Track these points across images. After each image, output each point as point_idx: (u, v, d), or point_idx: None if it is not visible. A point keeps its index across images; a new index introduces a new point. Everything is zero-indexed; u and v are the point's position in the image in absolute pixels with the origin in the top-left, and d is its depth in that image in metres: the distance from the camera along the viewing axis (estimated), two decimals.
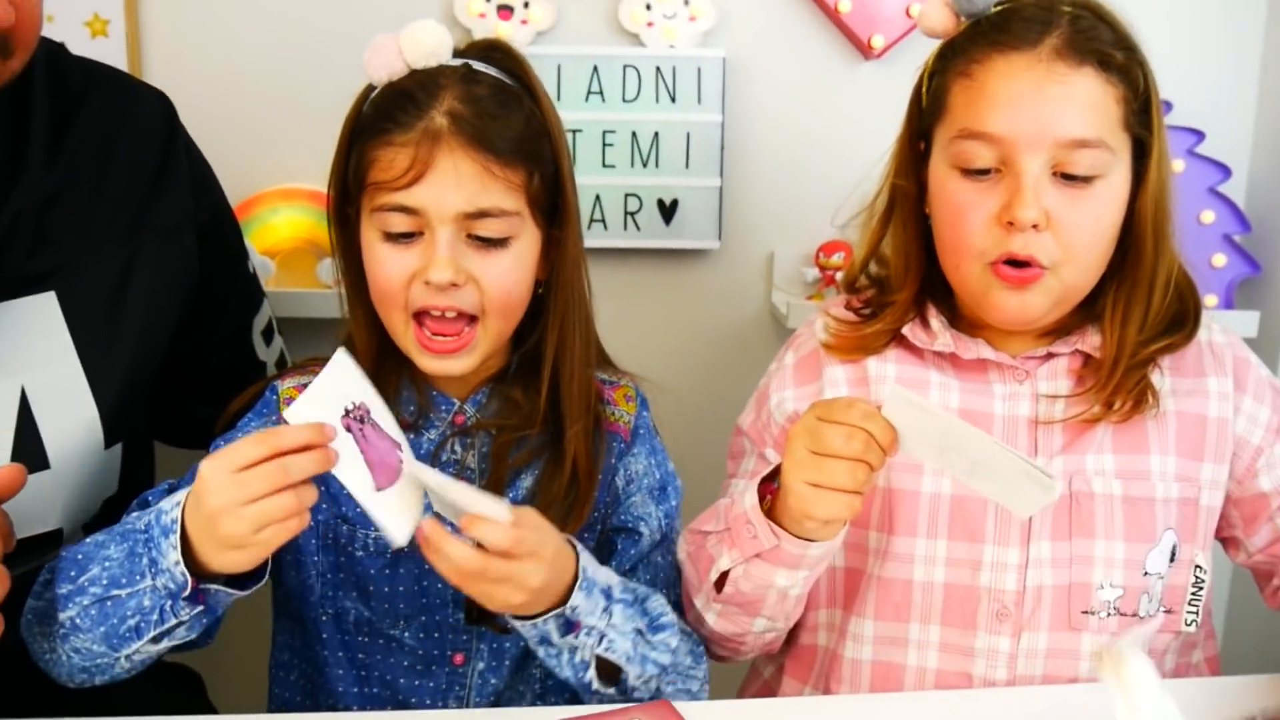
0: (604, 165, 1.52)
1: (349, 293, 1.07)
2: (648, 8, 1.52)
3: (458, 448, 1.05)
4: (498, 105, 0.99)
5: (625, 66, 1.51)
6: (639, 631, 0.98)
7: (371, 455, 0.89)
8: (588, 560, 0.96)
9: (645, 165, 1.53)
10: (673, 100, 1.52)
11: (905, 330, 1.09)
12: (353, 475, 0.88)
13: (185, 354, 1.15)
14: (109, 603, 0.89)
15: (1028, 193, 0.98)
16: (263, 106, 1.53)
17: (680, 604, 1.11)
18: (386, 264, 0.99)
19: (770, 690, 1.19)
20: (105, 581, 0.90)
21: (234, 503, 0.83)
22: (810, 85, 1.58)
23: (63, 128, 1.03)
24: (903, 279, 1.10)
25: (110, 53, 1.49)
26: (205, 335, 1.16)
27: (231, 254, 1.20)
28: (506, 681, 1.07)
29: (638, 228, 1.55)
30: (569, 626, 0.94)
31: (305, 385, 1.02)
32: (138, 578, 0.88)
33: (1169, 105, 1.44)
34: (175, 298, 1.09)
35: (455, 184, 0.96)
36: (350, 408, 0.89)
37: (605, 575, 0.98)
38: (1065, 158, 0.98)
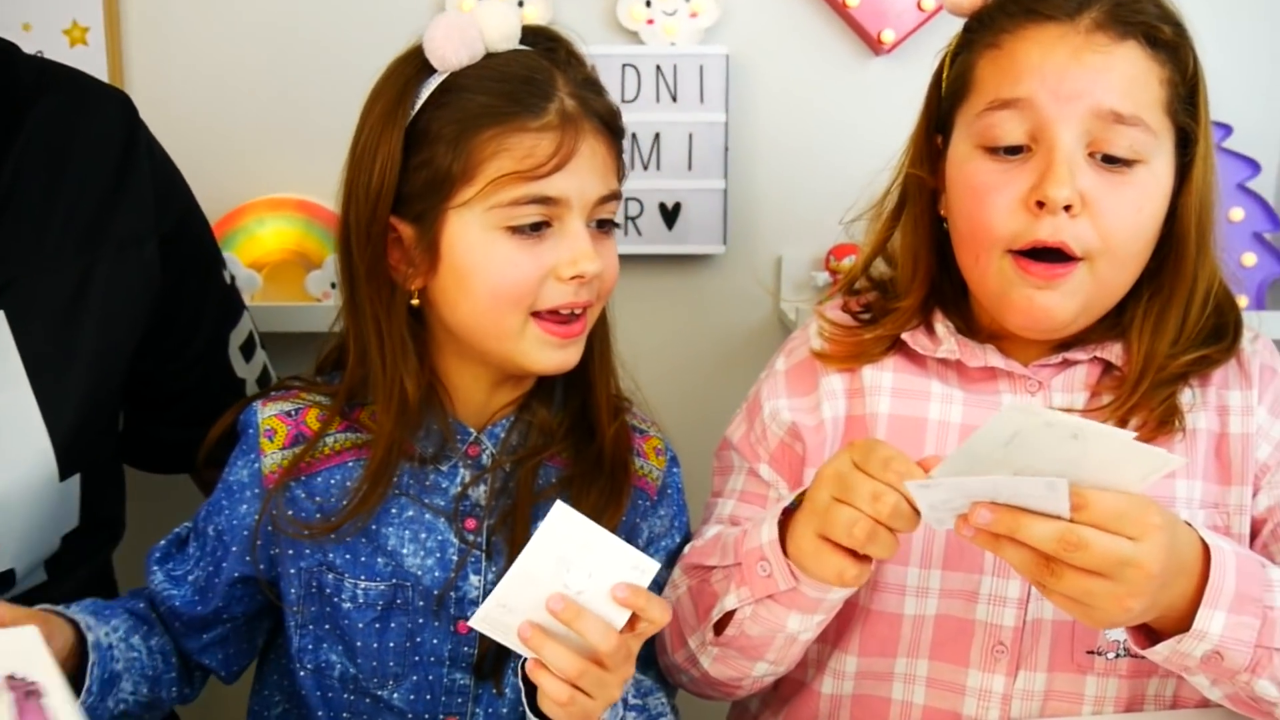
0: None
1: (377, 312, 0.95)
2: (647, 4, 1.48)
3: (482, 486, 0.99)
4: (598, 84, 0.98)
5: (624, 65, 1.48)
6: None
7: None
8: None
9: (646, 168, 1.50)
10: (674, 100, 1.49)
11: (905, 336, 1.01)
12: None
13: (152, 373, 1.09)
14: None
15: (1061, 167, 0.89)
16: (248, 114, 1.50)
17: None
18: (516, 263, 0.92)
19: None
20: None
21: None
22: (817, 82, 1.54)
23: (11, 131, 0.96)
24: (909, 283, 1.02)
25: (90, 61, 1.45)
26: (174, 352, 1.10)
27: (202, 264, 1.13)
28: None
29: (639, 233, 1.50)
30: None
31: (286, 414, 0.98)
32: None
33: None
34: (136, 314, 1.03)
35: (592, 168, 0.94)
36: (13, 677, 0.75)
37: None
38: (1102, 134, 0.90)
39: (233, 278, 1.20)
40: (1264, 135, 1.55)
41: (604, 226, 0.97)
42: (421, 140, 0.93)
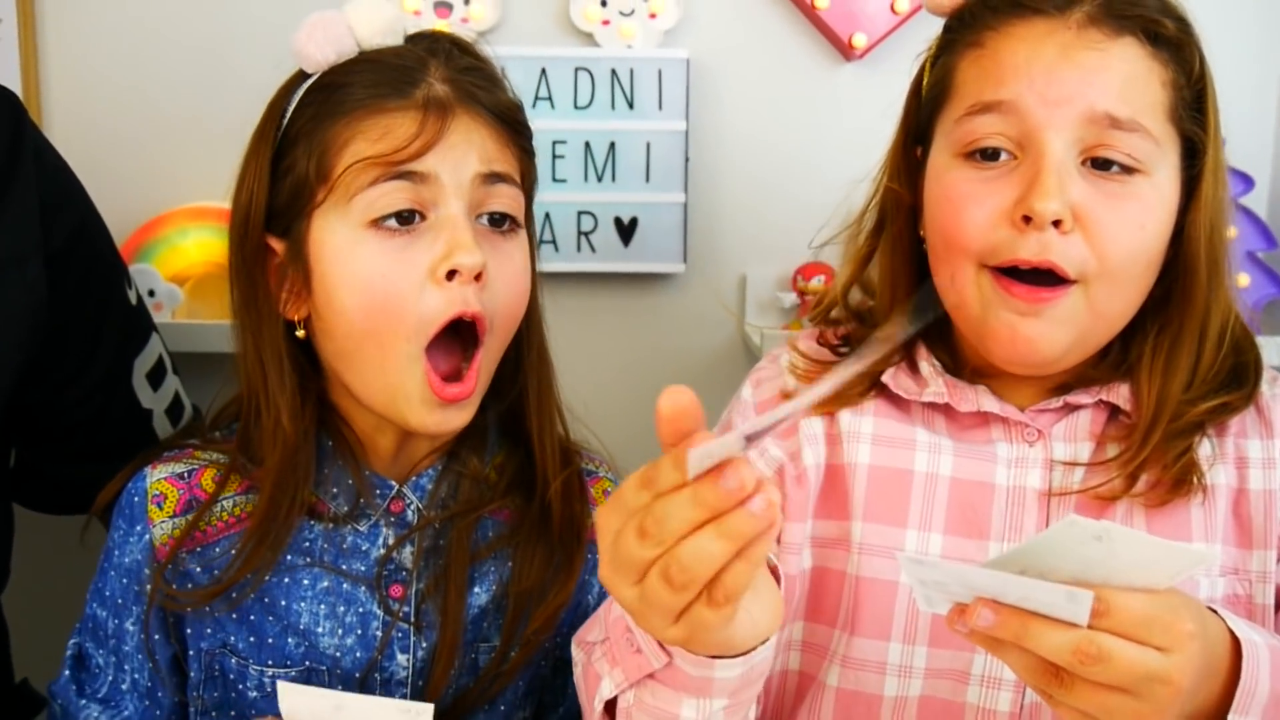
0: (554, 180, 1.41)
1: (258, 344, 0.86)
2: (603, 4, 1.43)
3: (408, 546, 0.88)
4: (490, 78, 0.86)
5: (577, 69, 1.41)
6: None
7: None
8: None
9: (601, 179, 1.43)
10: (630, 107, 1.43)
11: (886, 378, 0.91)
12: None
13: (43, 404, 0.99)
14: None
15: (1049, 177, 0.80)
16: (170, 115, 1.44)
17: None
18: (385, 270, 0.80)
19: None
20: None
21: None
22: (784, 89, 1.49)
23: None
24: (888, 312, 0.92)
25: (0, 58, 1.37)
26: (68, 381, 1.00)
27: (100, 283, 1.03)
28: None
29: (593, 249, 1.44)
30: None
31: (179, 476, 0.87)
32: None
33: None
34: (17, 340, 0.93)
35: (469, 144, 0.82)
36: None
37: None
38: (1097, 140, 0.80)
39: (140, 297, 1.09)
40: (1257, 148, 1.50)
41: (500, 224, 0.85)
42: (287, 147, 0.84)
